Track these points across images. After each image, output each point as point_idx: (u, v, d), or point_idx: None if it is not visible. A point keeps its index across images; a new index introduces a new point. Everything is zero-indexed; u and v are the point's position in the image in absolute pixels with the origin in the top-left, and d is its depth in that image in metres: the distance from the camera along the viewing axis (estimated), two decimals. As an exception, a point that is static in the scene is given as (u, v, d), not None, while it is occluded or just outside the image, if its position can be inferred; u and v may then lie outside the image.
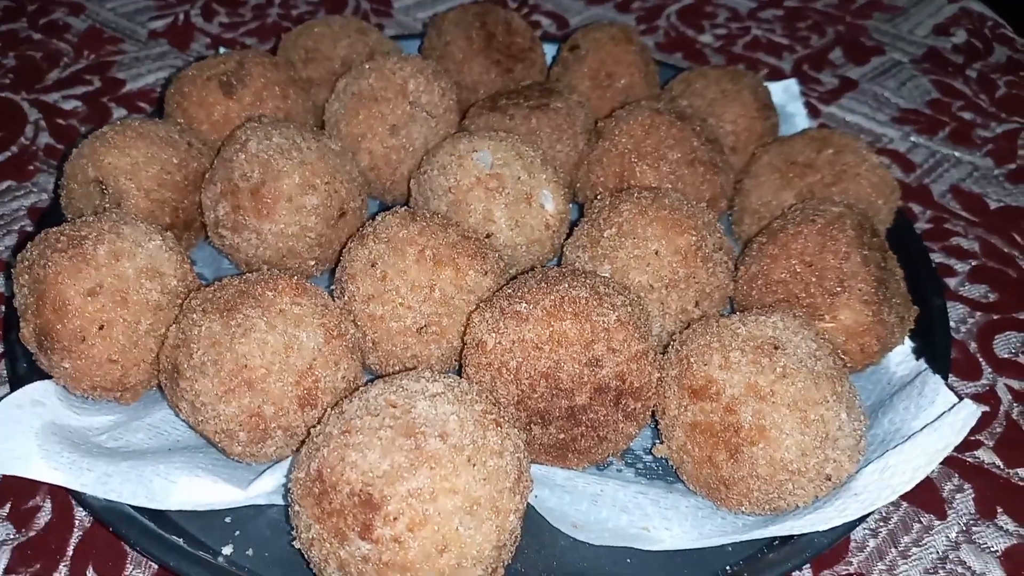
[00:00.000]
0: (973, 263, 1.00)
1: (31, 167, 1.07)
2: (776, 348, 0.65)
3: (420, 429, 0.57)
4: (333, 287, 0.77)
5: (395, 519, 0.54)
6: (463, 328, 0.73)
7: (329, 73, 1.01)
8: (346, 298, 0.74)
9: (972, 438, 0.80)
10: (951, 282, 0.97)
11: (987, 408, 0.83)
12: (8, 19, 1.36)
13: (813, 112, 1.24)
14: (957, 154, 1.17)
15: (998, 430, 0.81)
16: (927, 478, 0.66)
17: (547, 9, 1.50)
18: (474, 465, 0.56)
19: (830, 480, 0.64)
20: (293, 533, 0.60)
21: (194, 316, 0.66)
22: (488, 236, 0.80)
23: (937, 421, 0.68)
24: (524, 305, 0.67)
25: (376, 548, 0.54)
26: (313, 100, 1.00)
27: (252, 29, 1.38)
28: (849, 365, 0.73)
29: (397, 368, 0.74)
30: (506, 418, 0.61)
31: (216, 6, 1.43)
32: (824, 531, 0.64)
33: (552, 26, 1.45)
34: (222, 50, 1.10)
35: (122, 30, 1.36)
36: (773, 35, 1.45)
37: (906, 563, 0.70)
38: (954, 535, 0.72)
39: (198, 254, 0.90)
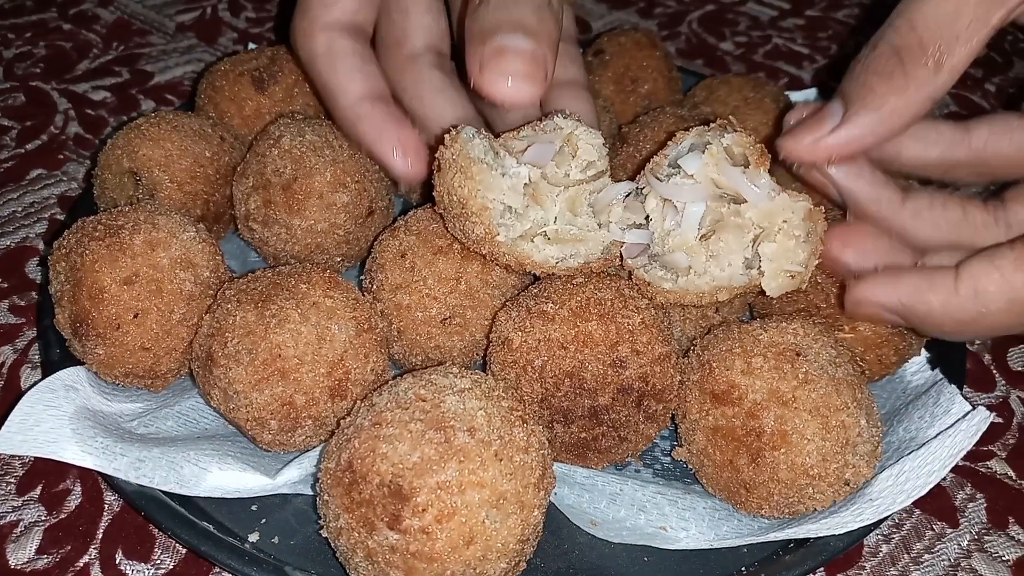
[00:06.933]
0: (989, 276, 1.01)
1: (61, 156, 1.08)
2: (798, 355, 0.66)
3: (449, 423, 0.58)
4: (362, 278, 0.79)
5: (424, 510, 0.55)
6: (486, 322, 0.74)
7: (357, 71, 1.02)
8: (375, 287, 0.76)
9: (984, 448, 0.81)
10: (967, 294, 0.98)
11: (1000, 419, 0.84)
12: (38, 9, 1.37)
13: (832, 122, 1.24)
14: (975, 167, 1.18)
15: (1011, 441, 0.82)
16: (940, 487, 0.68)
17: (570, 12, 1.51)
18: (501, 460, 0.58)
19: (848, 485, 0.65)
20: (320, 522, 0.61)
21: (229, 306, 0.68)
22: None
23: (951, 428, 0.69)
24: (551, 305, 0.68)
25: (404, 538, 0.56)
26: (341, 97, 1.01)
27: (278, 24, 1.39)
28: (866, 374, 0.74)
29: (420, 358, 0.76)
30: (531, 415, 0.63)
31: (243, 1, 1.45)
32: (839, 535, 0.65)
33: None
34: (251, 45, 1.11)
35: (150, 22, 1.37)
36: (794, 44, 1.46)
37: (918, 569, 0.71)
38: (966, 543, 0.73)
39: (226, 247, 0.91)
